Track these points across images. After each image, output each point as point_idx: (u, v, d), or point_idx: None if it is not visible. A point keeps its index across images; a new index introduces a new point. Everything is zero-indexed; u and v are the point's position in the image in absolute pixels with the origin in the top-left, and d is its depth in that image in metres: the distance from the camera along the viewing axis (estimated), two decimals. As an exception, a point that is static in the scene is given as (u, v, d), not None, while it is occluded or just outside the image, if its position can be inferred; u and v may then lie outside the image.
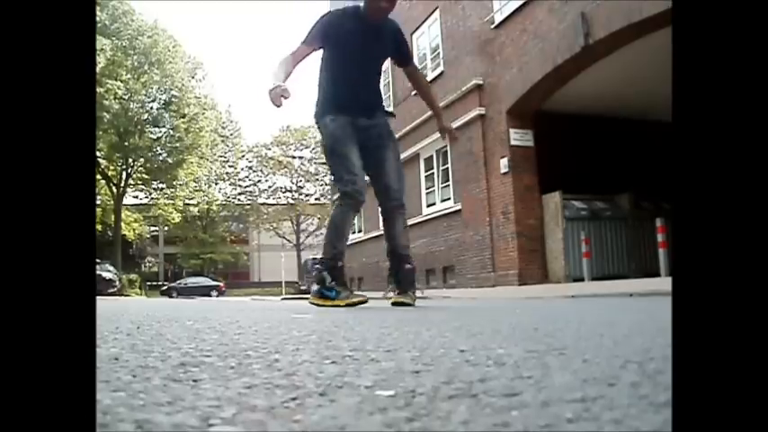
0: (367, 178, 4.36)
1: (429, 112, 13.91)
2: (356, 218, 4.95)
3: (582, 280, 10.54)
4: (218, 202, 49.90)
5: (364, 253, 17.52)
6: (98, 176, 35.39)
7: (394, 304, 4.34)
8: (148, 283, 42.19)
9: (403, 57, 4.67)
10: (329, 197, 24.82)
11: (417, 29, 15.89)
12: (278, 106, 3.89)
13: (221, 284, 41.85)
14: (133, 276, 36.96)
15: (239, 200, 51.15)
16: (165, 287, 41.73)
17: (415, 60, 15.90)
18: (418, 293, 4.58)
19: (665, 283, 6.80)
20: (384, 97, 4.68)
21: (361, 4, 4.33)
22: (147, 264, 55.43)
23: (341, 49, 4.32)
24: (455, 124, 13.28)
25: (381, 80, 4.70)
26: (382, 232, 4.59)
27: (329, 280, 4.21)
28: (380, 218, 4.62)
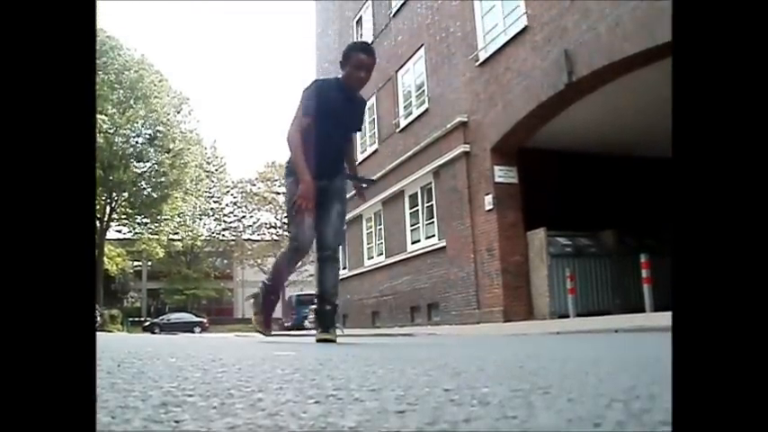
0: None
1: (412, 150, 14.27)
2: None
3: (567, 316, 10.52)
4: (203, 238, 49.72)
5: (348, 290, 17.30)
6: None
7: (318, 341, 4.76)
8: (130, 319, 41.73)
9: (357, 127, 5.18)
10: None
11: (402, 66, 16.06)
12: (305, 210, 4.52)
13: (205, 320, 41.43)
14: (115, 312, 36.51)
15: (224, 235, 51.01)
16: (147, 323, 41.25)
17: (401, 98, 16.16)
18: (339, 331, 5.08)
19: (649, 318, 6.81)
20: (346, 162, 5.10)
21: (340, 76, 4.72)
22: (130, 299, 54.90)
23: (324, 118, 4.63)
24: (439, 161, 13.43)
25: (352, 146, 5.27)
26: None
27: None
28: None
